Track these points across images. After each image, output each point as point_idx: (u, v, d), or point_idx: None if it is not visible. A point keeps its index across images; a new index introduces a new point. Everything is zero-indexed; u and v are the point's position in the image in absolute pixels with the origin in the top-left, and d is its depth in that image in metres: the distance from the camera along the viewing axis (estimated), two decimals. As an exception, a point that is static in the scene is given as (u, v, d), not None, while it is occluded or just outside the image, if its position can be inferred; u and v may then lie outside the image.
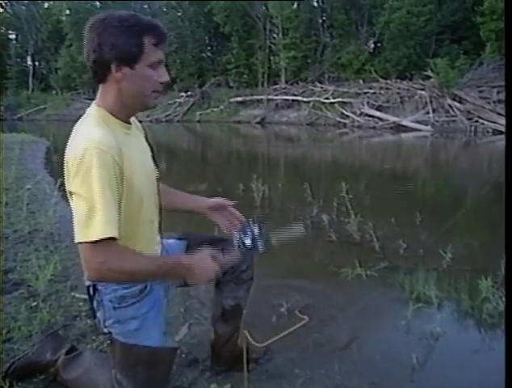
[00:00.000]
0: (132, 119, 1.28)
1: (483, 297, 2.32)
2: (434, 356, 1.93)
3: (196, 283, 1.26)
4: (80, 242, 1.04)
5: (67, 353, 1.56)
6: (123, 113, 1.18)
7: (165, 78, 1.17)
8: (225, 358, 1.70)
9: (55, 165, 8.16)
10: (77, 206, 1.05)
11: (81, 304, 2.27)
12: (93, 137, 1.07)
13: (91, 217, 1.02)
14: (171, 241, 1.52)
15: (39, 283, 2.41)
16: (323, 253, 3.30)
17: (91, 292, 1.24)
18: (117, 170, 1.08)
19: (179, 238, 1.55)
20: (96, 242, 1.01)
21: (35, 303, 2.26)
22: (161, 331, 1.31)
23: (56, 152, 10.34)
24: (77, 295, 2.36)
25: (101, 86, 1.16)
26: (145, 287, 1.25)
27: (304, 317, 2.20)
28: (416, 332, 2.11)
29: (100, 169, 1.03)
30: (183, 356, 1.82)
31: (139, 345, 1.24)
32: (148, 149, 1.34)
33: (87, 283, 1.25)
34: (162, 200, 1.36)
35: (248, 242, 1.30)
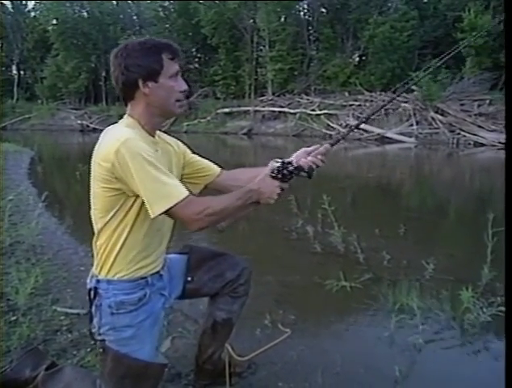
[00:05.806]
0: (174, 140, 1.47)
1: (464, 307, 2.36)
2: (417, 368, 1.95)
3: (269, 201, 1.35)
4: (171, 208, 1.13)
5: (47, 369, 1.53)
6: (151, 123, 1.29)
7: (184, 86, 1.30)
8: (209, 372, 1.69)
9: (39, 175, 8.05)
10: (147, 187, 1.13)
11: (62, 318, 2.23)
12: (123, 134, 1.17)
13: (163, 189, 1.13)
14: (172, 255, 1.54)
15: (19, 297, 2.36)
16: (307, 264, 3.31)
17: (92, 295, 1.28)
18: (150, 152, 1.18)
19: (180, 253, 1.57)
20: (183, 200, 1.13)
21: (14, 317, 2.21)
22: (154, 344, 1.33)
23: (40, 162, 10.20)
24: (58, 309, 2.32)
25: (129, 104, 1.30)
26: (144, 295, 1.28)
27: (287, 330, 2.19)
28: (399, 343, 2.13)
29: (140, 151, 1.14)
30: (166, 370, 1.80)
31: (130, 356, 1.26)
32: (177, 165, 1.43)
33: (89, 286, 1.29)
34: (234, 183, 1.49)
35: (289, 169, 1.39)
